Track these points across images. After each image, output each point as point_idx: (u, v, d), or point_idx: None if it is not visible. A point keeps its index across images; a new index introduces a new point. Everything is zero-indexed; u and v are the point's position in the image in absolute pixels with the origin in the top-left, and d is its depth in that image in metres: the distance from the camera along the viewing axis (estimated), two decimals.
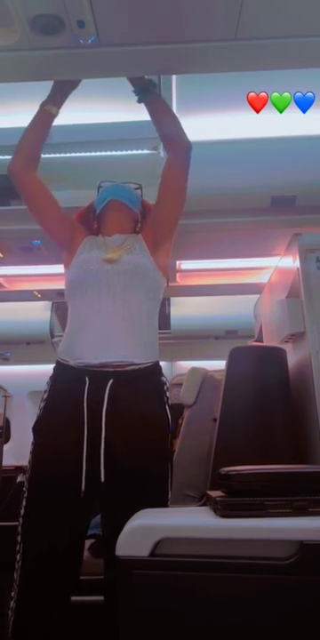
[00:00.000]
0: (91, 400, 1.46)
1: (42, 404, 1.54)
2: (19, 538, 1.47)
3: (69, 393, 1.49)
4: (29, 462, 1.51)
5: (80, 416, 1.45)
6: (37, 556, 1.43)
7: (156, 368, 1.58)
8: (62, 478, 1.43)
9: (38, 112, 1.70)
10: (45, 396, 1.55)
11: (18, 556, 1.46)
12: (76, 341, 1.53)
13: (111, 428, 1.45)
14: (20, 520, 1.48)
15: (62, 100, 1.73)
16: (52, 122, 1.72)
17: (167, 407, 1.55)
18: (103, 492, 1.44)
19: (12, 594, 1.45)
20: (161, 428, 1.53)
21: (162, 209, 1.73)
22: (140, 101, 1.71)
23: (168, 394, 1.58)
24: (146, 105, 1.71)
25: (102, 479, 1.42)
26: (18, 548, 1.47)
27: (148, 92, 1.69)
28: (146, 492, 1.44)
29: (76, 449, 1.43)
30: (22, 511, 1.48)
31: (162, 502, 1.47)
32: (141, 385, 1.51)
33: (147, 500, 1.38)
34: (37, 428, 1.52)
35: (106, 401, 1.45)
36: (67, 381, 1.52)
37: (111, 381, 1.47)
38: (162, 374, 1.60)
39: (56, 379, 1.56)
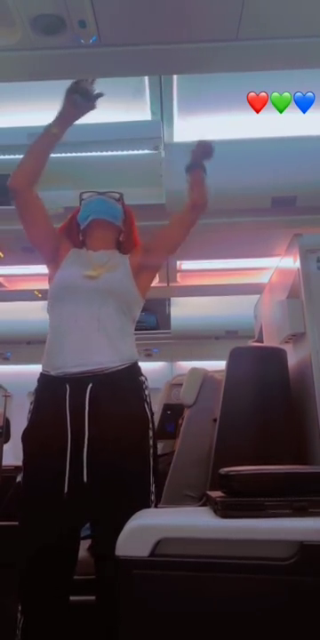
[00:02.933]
0: (72, 404, 1.50)
1: (28, 416, 1.59)
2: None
3: (52, 401, 1.54)
4: (22, 472, 1.55)
5: (63, 421, 1.49)
6: (30, 557, 1.46)
7: (133, 368, 1.62)
8: (49, 482, 1.47)
9: (44, 132, 1.69)
10: (31, 407, 1.60)
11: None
12: (56, 352, 1.59)
13: (93, 429, 1.48)
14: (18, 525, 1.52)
15: (70, 123, 1.72)
16: (56, 143, 1.71)
17: (147, 405, 1.60)
18: (87, 492, 1.46)
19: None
20: (141, 426, 1.57)
21: (157, 248, 1.81)
22: (187, 171, 1.84)
23: (147, 392, 1.62)
24: (191, 174, 1.84)
25: (85, 479, 1.45)
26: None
27: (197, 166, 1.84)
28: (129, 490, 1.47)
29: (61, 452, 1.47)
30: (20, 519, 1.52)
31: (145, 500, 1.50)
32: (120, 385, 1.55)
33: (130, 497, 1.42)
34: (25, 439, 1.57)
35: (87, 403, 1.50)
36: (49, 391, 1.57)
37: (91, 385, 1.51)
38: (141, 374, 1.64)
39: (39, 390, 1.61)
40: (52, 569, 1.46)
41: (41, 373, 1.62)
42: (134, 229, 1.86)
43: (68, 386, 1.51)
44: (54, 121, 1.67)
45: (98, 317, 1.58)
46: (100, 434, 1.48)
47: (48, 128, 1.67)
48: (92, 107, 1.68)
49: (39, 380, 1.62)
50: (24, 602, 1.46)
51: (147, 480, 1.54)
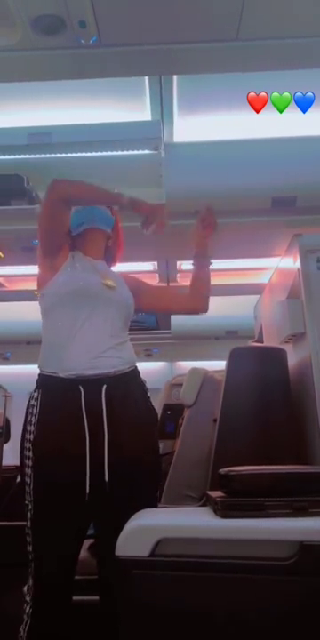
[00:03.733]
0: (89, 406, 1.50)
1: (33, 419, 1.54)
2: (29, 547, 1.50)
3: (64, 403, 1.52)
4: (29, 477, 1.51)
5: (79, 422, 1.48)
6: (52, 569, 1.47)
7: (136, 371, 1.67)
8: (68, 485, 1.47)
9: (113, 195, 1.71)
10: (35, 410, 1.55)
11: (30, 570, 1.49)
12: (66, 354, 1.56)
13: (112, 429, 1.49)
14: (29, 532, 1.50)
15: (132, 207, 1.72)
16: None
17: (152, 405, 1.67)
18: (105, 491, 1.47)
19: (28, 599, 1.48)
20: (151, 424, 1.64)
21: (143, 307, 1.85)
22: (194, 264, 1.93)
23: (149, 393, 1.68)
24: (196, 267, 1.92)
25: (106, 479, 1.46)
26: (30, 557, 1.49)
27: (206, 261, 1.90)
28: (144, 489, 1.51)
29: (79, 454, 1.47)
30: (29, 523, 1.50)
31: (154, 498, 1.57)
32: (130, 386, 1.60)
33: (144, 496, 1.47)
34: (36, 443, 1.52)
35: (104, 404, 1.51)
36: (59, 392, 1.54)
37: (105, 386, 1.53)
38: (140, 377, 1.69)
39: (45, 391, 1.57)
40: (66, 569, 1.49)
41: (44, 375, 1.58)
42: (120, 234, 1.86)
43: (81, 387, 1.51)
44: (121, 198, 1.69)
45: (111, 324, 1.62)
46: (119, 434, 1.49)
47: (117, 195, 1.70)
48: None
49: (42, 383, 1.58)
50: (40, 608, 1.46)
51: (158, 478, 1.61)
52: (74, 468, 1.46)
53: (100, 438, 1.48)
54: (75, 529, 1.49)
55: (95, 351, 1.55)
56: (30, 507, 1.50)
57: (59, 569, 1.47)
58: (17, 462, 1.59)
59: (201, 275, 1.92)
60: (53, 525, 1.47)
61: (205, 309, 1.91)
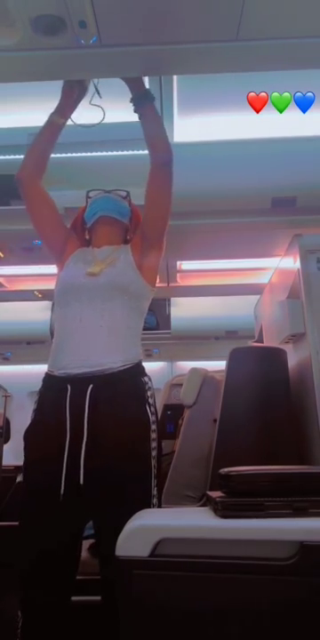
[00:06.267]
0: (73, 405, 1.50)
1: (32, 415, 1.60)
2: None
3: (54, 401, 1.54)
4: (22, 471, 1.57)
5: (63, 421, 1.49)
6: (30, 560, 1.47)
7: (136, 369, 1.60)
8: (47, 483, 1.47)
9: (46, 122, 1.77)
10: (35, 407, 1.61)
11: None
12: (60, 352, 1.58)
13: (92, 432, 1.47)
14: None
15: (70, 110, 1.79)
16: (59, 132, 1.78)
17: (148, 406, 1.57)
18: (83, 493, 1.45)
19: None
20: (141, 429, 1.54)
21: (147, 221, 1.74)
22: (136, 111, 1.73)
23: (150, 393, 1.60)
24: (140, 112, 1.72)
25: (81, 481, 1.44)
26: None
27: (145, 102, 1.70)
28: (128, 493, 1.45)
29: (59, 454, 1.47)
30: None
31: (145, 501, 1.49)
32: (121, 387, 1.54)
33: (129, 500, 1.41)
34: (26, 438, 1.58)
35: (87, 405, 1.49)
36: (52, 391, 1.57)
37: (91, 386, 1.50)
38: (144, 374, 1.61)
39: (44, 389, 1.61)
40: (51, 571, 1.46)
41: (46, 373, 1.62)
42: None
43: (69, 386, 1.51)
44: (55, 110, 1.76)
45: (101, 315, 1.57)
46: (98, 436, 1.47)
47: (51, 117, 1.76)
48: (84, 88, 1.77)
49: (43, 380, 1.62)
50: (23, 603, 1.46)
51: (147, 483, 1.52)
52: (54, 469, 1.46)
53: (79, 439, 1.46)
54: (58, 530, 1.46)
55: (84, 348, 1.54)
56: (21, 504, 1.53)
57: (42, 568, 1.45)
58: (17, 462, 1.61)
59: (147, 114, 1.70)
60: (36, 524, 1.47)
61: (169, 150, 1.68)
